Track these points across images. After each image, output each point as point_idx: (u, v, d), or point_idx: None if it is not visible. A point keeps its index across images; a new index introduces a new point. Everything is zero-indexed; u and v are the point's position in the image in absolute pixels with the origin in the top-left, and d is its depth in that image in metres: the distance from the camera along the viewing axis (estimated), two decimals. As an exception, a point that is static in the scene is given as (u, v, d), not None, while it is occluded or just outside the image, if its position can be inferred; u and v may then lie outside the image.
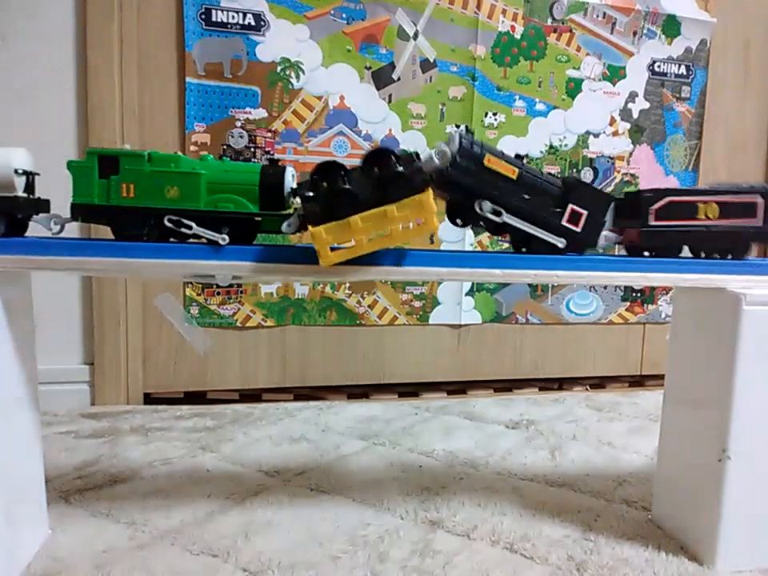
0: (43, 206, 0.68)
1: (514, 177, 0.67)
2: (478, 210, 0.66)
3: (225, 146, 1.29)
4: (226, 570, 0.68)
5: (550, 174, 0.71)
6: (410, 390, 1.46)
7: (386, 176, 0.59)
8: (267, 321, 1.35)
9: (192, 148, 1.26)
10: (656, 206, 0.72)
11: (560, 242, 0.68)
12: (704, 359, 0.76)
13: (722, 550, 0.72)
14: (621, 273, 0.70)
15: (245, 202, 0.65)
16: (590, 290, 1.55)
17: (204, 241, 0.65)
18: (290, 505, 0.84)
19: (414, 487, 0.91)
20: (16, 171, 0.63)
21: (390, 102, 1.36)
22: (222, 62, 1.26)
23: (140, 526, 0.77)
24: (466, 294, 1.46)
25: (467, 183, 0.66)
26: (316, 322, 1.38)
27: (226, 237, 0.64)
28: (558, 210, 0.69)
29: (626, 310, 1.58)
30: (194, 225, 0.64)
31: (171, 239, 0.67)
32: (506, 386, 1.52)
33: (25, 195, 0.65)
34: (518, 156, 0.69)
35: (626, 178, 1.55)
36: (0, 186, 0.63)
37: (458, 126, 1.42)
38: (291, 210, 0.67)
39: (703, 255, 0.75)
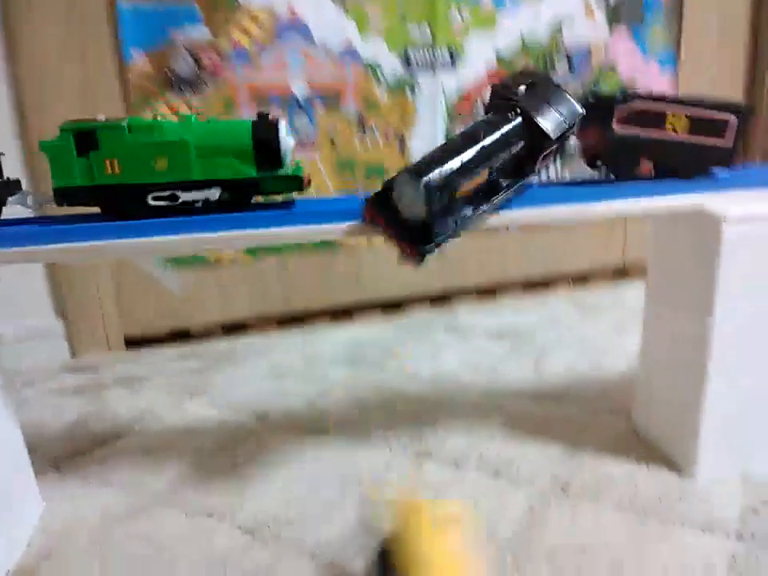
0: (14, 186, 0.63)
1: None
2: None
3: (170, 74, 1.19)
4: (222, 531, 0.69)
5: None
6: (393, 305, 1.46)
7: None
8: (241, 254, 1.32)
9: (135, 81, 1.17)
10: (623, 111, 0.67)
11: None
12: (684, 279, 0.75)
13: (701, 459, 0.74)
14: (590, 205, 0.67)
15: (241, 165, 0.60)
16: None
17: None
18: (280, 450, 0.85)
19: (401, 416, 0.93)
20: None
21: (344, 7, 1.25)
22: (154, -24, 1.14)
23: (134, 489, 0.78)
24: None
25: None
26: (291, 250, 1.35)
27: (216, 192, 0.60)
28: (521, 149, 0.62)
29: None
30: (180, 192, 0.60)
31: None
32: (490, 288, 1.52)
33: None
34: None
35: (605, 69, 1.46)
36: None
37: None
38: (290, 170, 0.62)
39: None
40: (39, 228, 0.60)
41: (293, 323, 1.37)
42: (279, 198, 0.66)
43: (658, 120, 0.67)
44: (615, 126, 0.67)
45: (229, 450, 0.86)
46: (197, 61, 1.20)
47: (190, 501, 0.75)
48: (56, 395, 1.06)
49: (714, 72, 1.51)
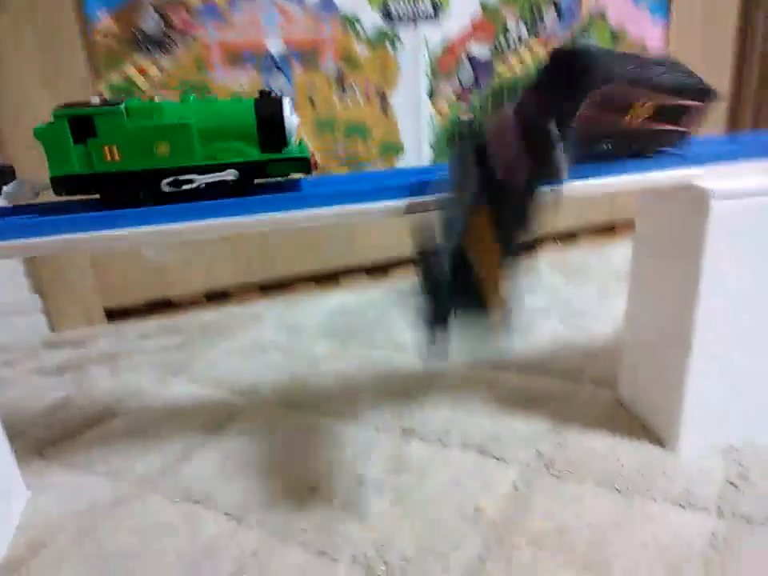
0: (7, 173, 0.60)
1: None
2: None
3: (137, 34, 1.12)
4: (208, 517, 0.70)
5: None
6: (379, 269, 1.43)
7: None
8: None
9: (101, 42, 1.10)
10: (596, 94, 0.61)
11: None
12: (671, 253, 0.73)
13: (684, 433, 0.74)
14: (579, 183, 0.64)
15: (245, 146, 0.58)
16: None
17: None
18: (265, 429, 0.85)
19: (387, 392, 0.92)
20: None
21: (319, -45, 1.17)
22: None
23: (118, 475, 0.78)
24: (427, 168, 1.39)
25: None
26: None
27: (234, 172, 0.58)
28: None
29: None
30: (195, 176, 0.58)
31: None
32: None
33: None
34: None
35: (595, 16, 1.40)
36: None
37: None
38: (295, 150, 0.60)
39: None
40: (40, 219, 0.58)
41: (277, 290, 1.35)
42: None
43: (627, 106, 0.63)
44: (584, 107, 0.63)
45: (214, 431, 0.86)
46: (165, 18, 1.13)
47: (175, 485, 0.75)
48: (37, 375, 1.05)
49: (705, 20, 1.45)
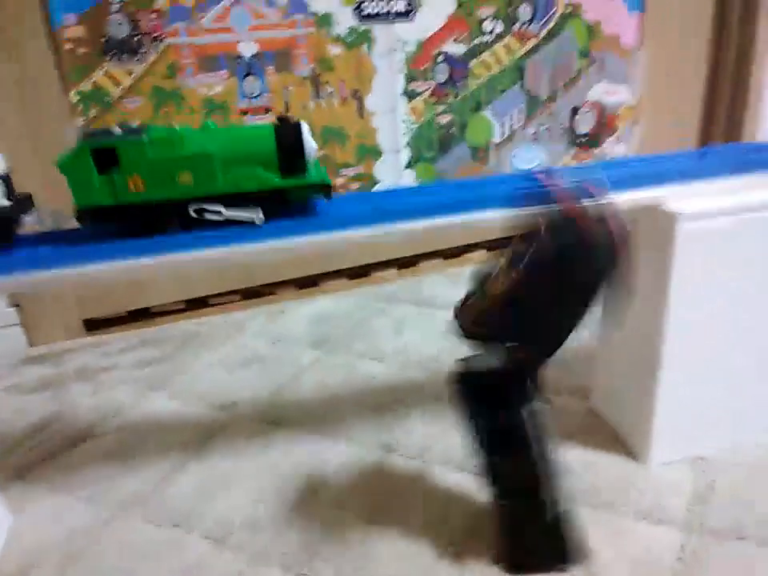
0: (27, 203, 0.60)
1: None
2: None
3: (107, 40, 1.10)
4: (189, 542, 0.71)
5: None
6: (359, 272, 1.44)
7: None
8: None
9: (69, 49, 1.08)
10: None
11: None
12: (640, 271, 0.74)
13: (655, 446, 0.76)
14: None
15: (267, 174, 0.59)
16: (535, 141, 1.48)
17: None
18: (246, 447, 0.86)
19: (368, 406, 0.93)
20: None
21: (288, -46, 1.15)
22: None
23: (102, 498, 0.78)
24: (405, 168, 1.38)
25: None
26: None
27: (261, 215, 0.60)
28: None
29: (573, 157, 1.52)
30: (222, 209, 0.59)
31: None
32: (455, 253, 1.50)
33: (8, 203, 0.58)
34: None
35: (570, 9, 1.39)
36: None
37: None
38: (313, 175, 0.61)
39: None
40: (70, 248, 0.59)
41: (257, 296, 1.35)
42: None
43: None
44: None
45: (197, 448, 0.86)
46: (134, 23, 1.11)
47: (157, 508, 0.76)
48: (17, 392, 1.04)
49: (682, 12, 1.45)
